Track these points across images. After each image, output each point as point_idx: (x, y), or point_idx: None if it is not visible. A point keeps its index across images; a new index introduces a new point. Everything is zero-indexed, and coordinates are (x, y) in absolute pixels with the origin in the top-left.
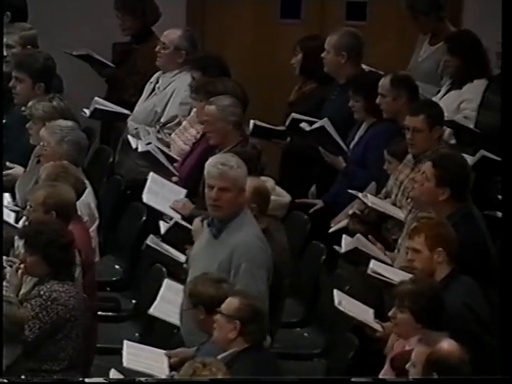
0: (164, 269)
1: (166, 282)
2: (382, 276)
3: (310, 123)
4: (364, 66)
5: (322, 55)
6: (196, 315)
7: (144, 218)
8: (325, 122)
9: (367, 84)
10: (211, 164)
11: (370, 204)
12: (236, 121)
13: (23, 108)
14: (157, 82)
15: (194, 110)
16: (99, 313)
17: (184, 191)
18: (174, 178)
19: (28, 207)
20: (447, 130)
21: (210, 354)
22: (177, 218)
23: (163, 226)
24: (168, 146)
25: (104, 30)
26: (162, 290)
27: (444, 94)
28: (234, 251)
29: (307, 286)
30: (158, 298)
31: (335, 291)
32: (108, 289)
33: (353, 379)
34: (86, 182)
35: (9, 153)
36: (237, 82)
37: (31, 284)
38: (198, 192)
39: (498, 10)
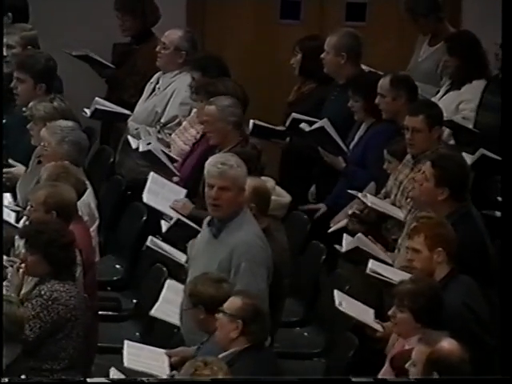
0: (164, 268)
1: (168, 282)
2: (381, 276)
3: (310, 123)
4: (363, 67)
5: (322, 56)
6: (196, 315)
7: (144, 218)
8: (324, 123)
9: (367, 84)
10: (211, 163)
11: (369, 204)
12: (236, 121)
13: (24, 109)
14: (157, 83)
15: (194, 110)
16: (100, 312)
17: (184, 191)
18: (175, 178)
19: (29, 207)
20: (446, 131)
21: (211, 354)
22: (177, 217)
23: (164, 225)
24: (168, 146)
25: (104, 31)
26: (164, 290)
27: (443, 95)
28: (234, 250)
29: (307, 285)
30: (160, 299)
31: (336, 292)
32: (109, 288)
33: (353, 379)
34: (87, 182)
35: (11, 153)
36: (237, 83)
37: (32, 284)
38: (198, 192)
39: (497, 10)
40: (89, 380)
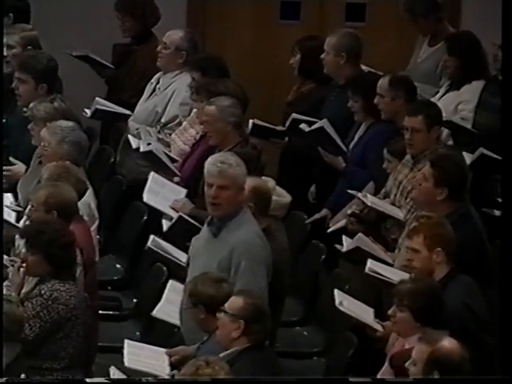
0: (165, 268)
1: (171, 283)
2: (380, 275)
3: (310, 124)
4: (363, 67)
5: (322, 56)
6: (196, 315)
7: (145, 218)
8: (324, 123)
9: (366, 85)
10: (210, 162)
11: (369, 204)
12: (236, 121)
13: (25, 109)
14: (157, 83)
15: (195, 110)
16: (100, 312)
17: (184, 191)
18: (176, 179)
19: (30, 206)
20: (445, 131)
21: (211, 353)
22: (179, 214)
23: (165, 224)
24: (168, 146)
25: (104, 31)
26: (166, 291)
27: (442, 95)
28: (234, 249)
29: (307, 285)
30: (162, 299)
31: (336, 291)
32: (109, 288)
33: (351, 379)
34: (87, 182)
35: (12, 153)
36: (237, 83)
37: (33, 283)
38: (198, 192)
39: (497, 11)
40: (88, 380)
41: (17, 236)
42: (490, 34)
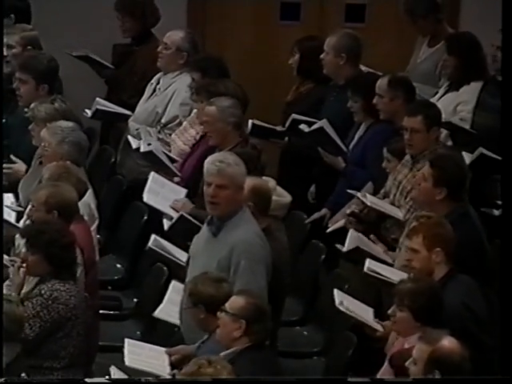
0: (165, 268)
1: (173, 284)
2: (379, 275)
3: (310, 124)
4: (363, 68)
5: (321, 56)
6: (196, 314)
7: (145, 218)
8: (324, 123)
9: (366, 85)
10: (209, 161)
11: (369, 204)
12: (235, 122)
13: (26, 109)
14: (158, 83)
15: (195, 110)
16: (101, 311)
17: (184, 191)
18: (176, 179)
19: (30, 206)
20: (443, 132)
21: (211, 352)
22: (181, 213)
23: (166, 224)
24: (169, 146)
25: (104, 32)
26: (169, 292)
27: (442, 96)
28: (234, 249)
29: (307, 284)
30: (165, 300)
31: (336, 291)
32: (110, 287)
33: (350, 379)
34: (88, 182)
35: (13, 154)
36: (237, 83)
37: (33, 283)
38: (198, 192)
39: (496, 12)
40: (88, 380)
41: (17, 236)
42: (489, 34)
